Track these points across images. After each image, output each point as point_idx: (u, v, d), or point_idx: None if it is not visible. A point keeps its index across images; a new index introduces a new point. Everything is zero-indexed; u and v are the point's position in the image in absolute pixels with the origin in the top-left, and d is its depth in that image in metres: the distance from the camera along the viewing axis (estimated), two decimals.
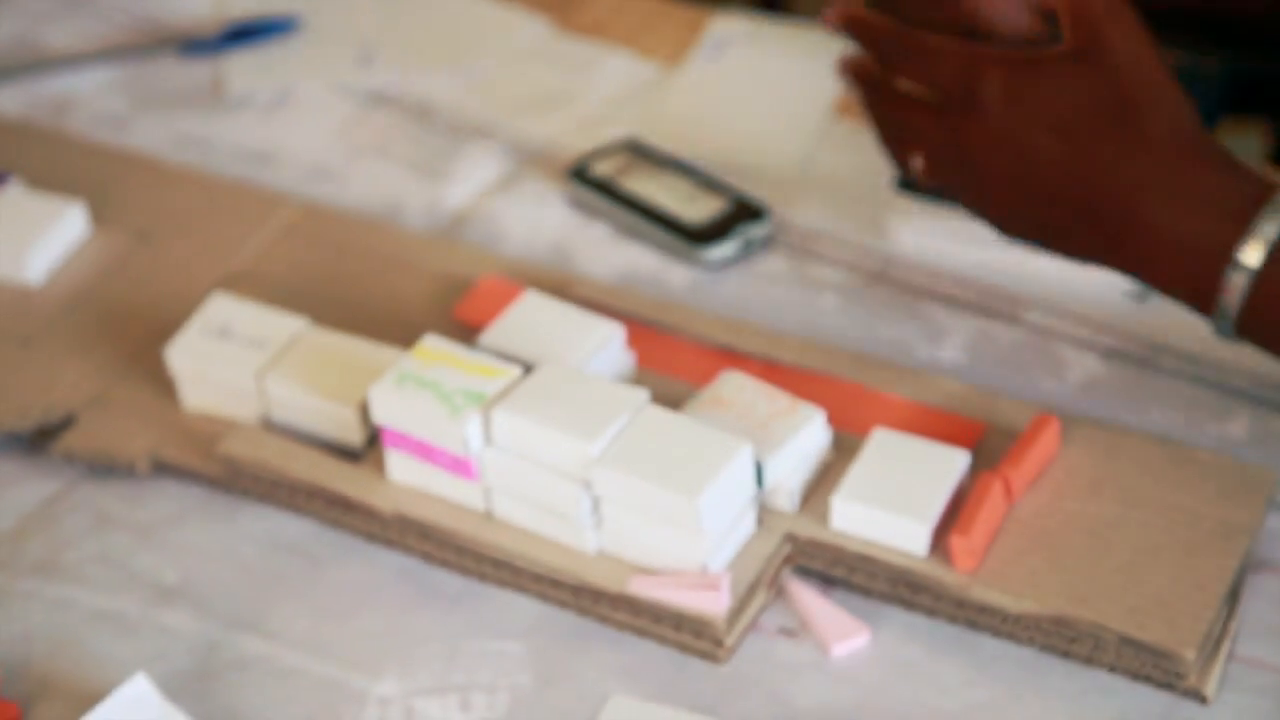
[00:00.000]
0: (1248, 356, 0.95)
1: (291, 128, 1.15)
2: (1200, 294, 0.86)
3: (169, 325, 0.97)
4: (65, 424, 0.94)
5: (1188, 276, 0.86)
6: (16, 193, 1.06)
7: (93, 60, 1.20)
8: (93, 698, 0.82)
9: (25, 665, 0.85)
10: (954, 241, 1.01)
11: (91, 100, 1.18)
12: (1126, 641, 0.80)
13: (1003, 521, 0.85)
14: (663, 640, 0.84)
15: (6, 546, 0.90)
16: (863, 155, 1.09)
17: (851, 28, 0.93)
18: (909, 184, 1.01)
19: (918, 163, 0.93)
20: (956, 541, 0.83)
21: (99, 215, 1.06)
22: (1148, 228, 0.86)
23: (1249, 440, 0.92)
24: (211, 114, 1.16)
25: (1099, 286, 0.99)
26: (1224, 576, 0.82)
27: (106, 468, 0.93)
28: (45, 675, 0.85)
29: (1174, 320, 0.95)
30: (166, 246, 1.04)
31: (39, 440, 0.94)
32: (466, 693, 0.83)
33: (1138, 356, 0.97)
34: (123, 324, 0.99)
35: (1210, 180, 0.86)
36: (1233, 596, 0.83)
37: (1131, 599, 0.81)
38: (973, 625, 0.84)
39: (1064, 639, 0.82)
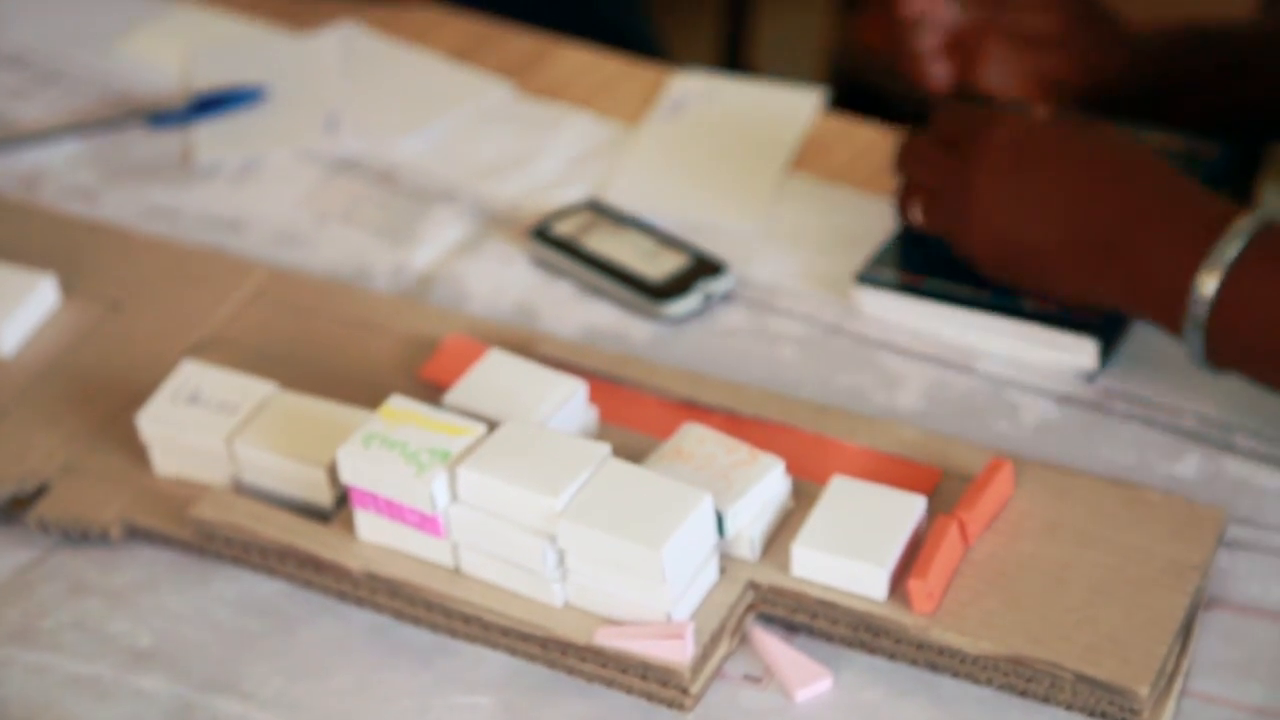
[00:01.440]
0: (1197, 399, 0.97)
1: (260, 195, 1.17)
2: (1172, 321, 0.92)
3: (140, 393, 0.98)
4: (39, 493, 0.96)
5: (1162, 304, 0.92)
6: None
7: (62, 134, 1.21)
8: None
9: None
10: (915, 316, 1.04)
11: (62, 173, 1.19)
12: (1082, 679, 0.82)
13: (960, 564, 0.87)
14: (630, 690, 0.85)
15: None
16: (820, 210, 1.11)
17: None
18: (871, 278, 1.04)
19: (916, 214, 1.02)
20: (915, 585, 0.84)
21: (69, 286, 1.07)
22: (1128, 256, 0.93)
23: (1199, 480, 0.93)
24: (181, 184, 1.18)
25: (1050, 362, 1.01)
26: (1176, 614, 0.84)
27: (80, 535, 0.94)
28: None
29: (1125, 369, 0.99)
30: (137, 315, 1.05)
31: (13, 510, 0.95)
32: None
33: (1089, 400, 0.98)
34: (94, 393, 1.00)
35: (1184, 209, 0.93)
36: (1185, 633, 0.85)
37: (1086, 637, 0.83)
38: (933, 667, 0.85)
39: (1021, 678, 0.83)
